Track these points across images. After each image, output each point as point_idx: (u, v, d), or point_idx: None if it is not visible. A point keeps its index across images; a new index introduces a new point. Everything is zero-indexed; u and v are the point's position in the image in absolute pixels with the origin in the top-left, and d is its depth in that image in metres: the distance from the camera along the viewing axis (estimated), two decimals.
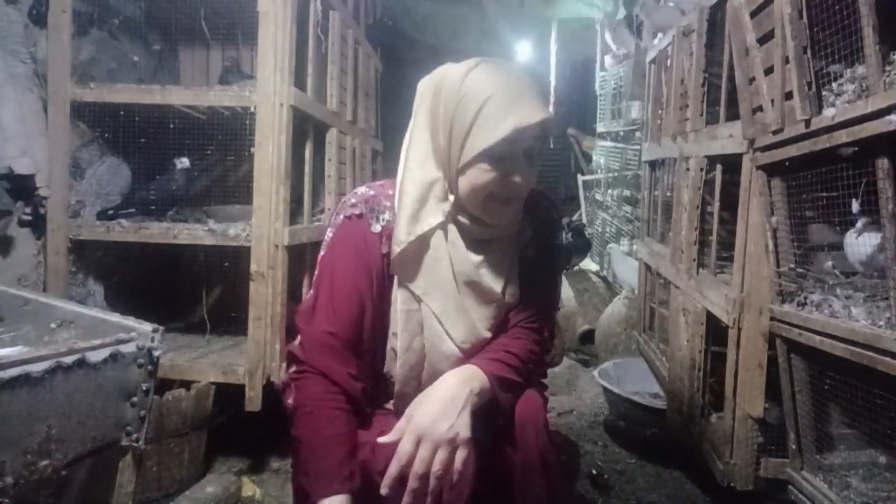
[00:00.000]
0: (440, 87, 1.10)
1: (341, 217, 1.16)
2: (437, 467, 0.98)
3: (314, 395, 1.09)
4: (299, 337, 1.13)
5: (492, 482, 1.11)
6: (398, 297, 1.14)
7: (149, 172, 2.30)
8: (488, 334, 1.16)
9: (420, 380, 1.17)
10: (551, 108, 6.06)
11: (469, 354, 1.14)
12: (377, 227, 1.14)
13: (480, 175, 1.06)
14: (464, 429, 1.01)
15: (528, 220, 1.22)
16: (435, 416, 1.01)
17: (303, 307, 1.16)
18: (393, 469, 1.00)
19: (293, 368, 1.13)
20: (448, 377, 1.08)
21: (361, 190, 1.20)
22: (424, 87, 1.14)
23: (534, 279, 1.23)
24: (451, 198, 1.12)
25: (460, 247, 1.13)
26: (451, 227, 1.13)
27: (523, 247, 1.22)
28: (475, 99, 1.04)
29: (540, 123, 1.04)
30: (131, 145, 2.27)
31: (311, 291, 1.17)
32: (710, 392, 1.93)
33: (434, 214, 1.11)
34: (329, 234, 1.17)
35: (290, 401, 1.12)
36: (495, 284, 1.16)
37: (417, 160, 1.13)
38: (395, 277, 1.14)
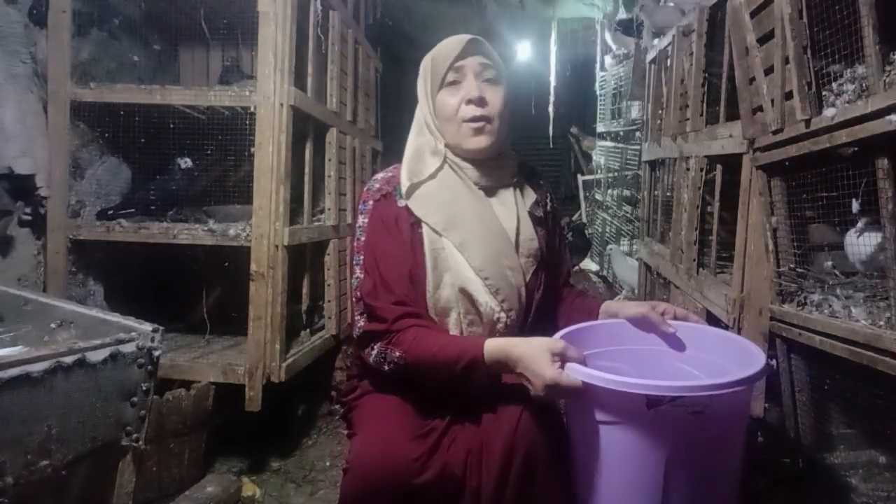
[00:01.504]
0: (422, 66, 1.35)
1: (370, 203, 1.32)
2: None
3: (413, 334, 1.19)
4: (369, 313, 1.25)
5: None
6: (425, 241, 1.26)
7: (149, 172, 2.30)
8: (510, 273, 1.26)
9: (461, 312, 1.26)
10: (550, 109, 6.07)
11: (491, 287, 1.25)
12: (402, 202, 1.29)
13: (444, 105, 1.28)
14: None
15: (528, 184, 1.40)
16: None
17: (364, 288, 1.27)
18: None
19: (379, 342, 1.22)
20: None
21: (380, 175, 1.37)
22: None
23: (553, 240, 1.41)
24: (441, 146, 1.31)
25: (473, 188, 1.30)
26: (460, 173, 1.31)
27: (531, 206, 1.37)
28: (426, 61, 1.32)
29: (471, 44, 1.27)
30: (131, 145, 2.27)
31: (363, 274, 1.29)
32: None
33: (431, 164, 1.30)
34: (363, 219, 1.33)
35: (397, 354, 1.19)
36: (507, 226, 1.30)
37: (415, 131, 1.36)
38: (423, 227, 1.27)
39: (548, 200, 1.44)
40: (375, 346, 1.23)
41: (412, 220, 1.27)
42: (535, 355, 1.07)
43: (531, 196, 1.39)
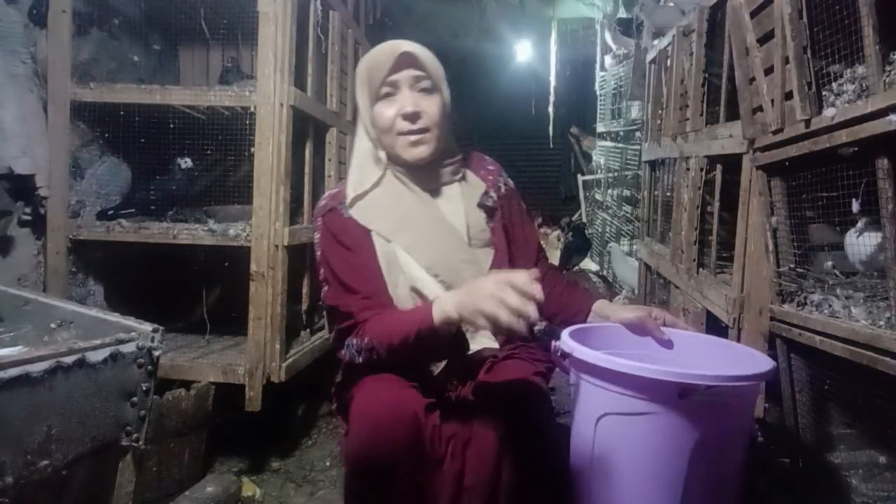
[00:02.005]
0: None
1: (319, 219, 1.34)
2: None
3: (375, 318, 1.21)
4: (338, 315, 1.27)
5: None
6: (377, 246, 1.29)
7: (149, 172, 2.30)
8: (463, 267, 1.29)
9: None
10: (550, 109, 6.08)
11: (444, 284, 1.26)
12: (348, 213, 1.31)
13: (381, 117, 1.28)
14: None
15: (477, 174, 1.42)
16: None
17: (330, 296, 1.30)
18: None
19: (349, 336, 1.24)
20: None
21: (328, 192, 1.39)
22: None
23: (512, 225, 1.42)
24: (383, 155, 1.33)
25: (417, 191, 1.32)
26: (404, 178, 1.32)
27: (480, 198, 1.38)
28: (361, 69, 1.32)
29: (402, 57, 1.25)
30: (131, 145, 2.27)
31: (327, 286, 1.31)
32: None
33: (374, 171, 1.33)
34: (316, 236, 1.34)
35: (365, 340, 1.20)
36: (455, 223, 1.32)
37: (359, 134, 1.37)
38: (372, 235, 1.29)
39: (501, 185, 1.45)
40: (348, 341, 1.24)
41: (360, 230, 1.30)
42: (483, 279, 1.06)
43: (479, 187, 1.40)
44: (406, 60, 1.26)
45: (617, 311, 1.36)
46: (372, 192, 1.31)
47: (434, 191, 1.35)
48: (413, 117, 1.26)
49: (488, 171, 1.46)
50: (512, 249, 1.40)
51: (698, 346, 1.31)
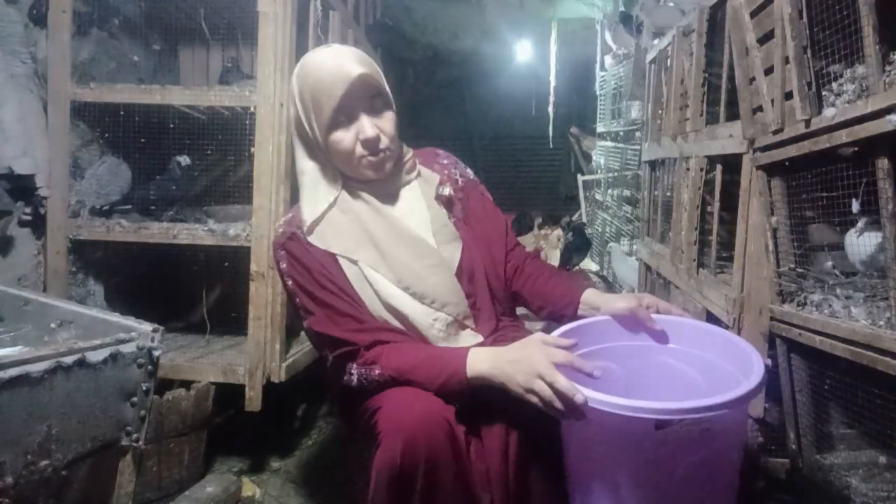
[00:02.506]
0: (292, 97, 1.27)
1: (281, 250, 1.27)
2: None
3: (382, 350, 1.18)
4: (331, 342, 1.22)
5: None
6: (344, 268, 1.24)
7: (149, 172, 2.30)
8: (431, 271, 1.25)
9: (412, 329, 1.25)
10: (550, 109, 6.07)
11: (416, 295, 1.24)
12: (307, 239, 1.25)
13: (339, 144, 1.22)
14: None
15: (431, 168, 1.39)
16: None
17: (317, 322, 1.24)
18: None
19: (352, 362, 1.20)
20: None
21: (283, 219, 1.33)
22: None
23: (476, 210, 1.40)
24: (337, 174, 1.28)
25: (372, 203, 1.28)
26: (360, 193, 1.28)
27: (437, 189, 1.35)
28: (304, 88, 1.22)
29: (357, 81, 1.18)
30: (131, 145, 2.27)
31: (308, 314, 1.25)
32: None
33: (328, 190, 1.27)
34: (283, 265, 1.28)
35: (376, 372, 1.17)
36: (416, 224, 1.29)
37: (304, 153, 1.29)
38: (337, 258, 1.25)
39: (457, 177, 1.42)
40: (353, 369, 1.20)
41: (324, 254, 1.25)
42: (528, 341, 1.07)
43: (433, 179, 1.37)
44: (360, 83, 1.19)
45: (608, 301, 1.30)
46: (328, 212, 1.26)
47: (393, 195, 1.32)
48: (374, 143, 1.22)
49: (442, 165, 1.43)
50: (480, 243, 1.36)
51: (695, 337, 1.25)
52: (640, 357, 1.27)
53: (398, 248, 1.26)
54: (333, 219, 1.26)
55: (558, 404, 0.99)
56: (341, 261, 1.25)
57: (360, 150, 1.22)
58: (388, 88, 1.27)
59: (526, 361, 1.04)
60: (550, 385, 1.00)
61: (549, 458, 1.14)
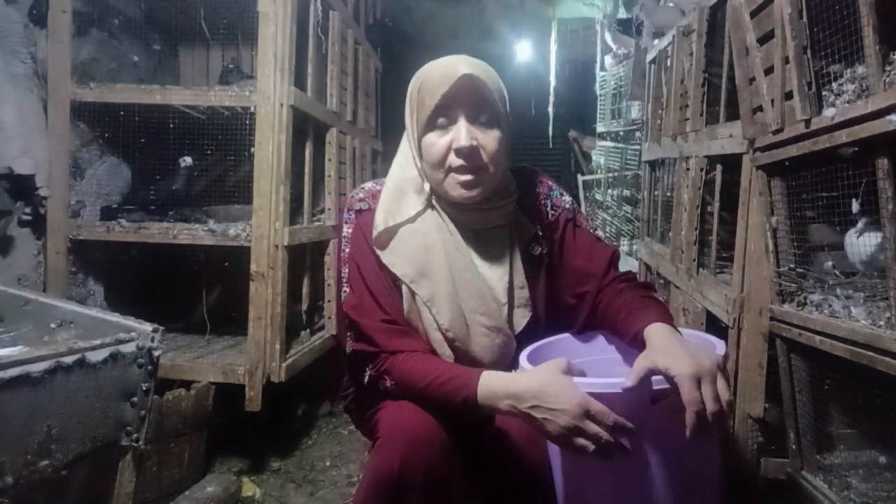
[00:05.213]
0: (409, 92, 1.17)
1: (353, 213, 1.21)
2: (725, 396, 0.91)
3: (402, 362, 1.10)
4: (355, 330, 1.15)
5: None
6: (402, 287, 1.17)
7: (149, 172, 2.30)
8: (484, 331, 1.15)
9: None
10: (550, 109, 6.07)
11: (459, 349, 1.15)
12: (375, 234, 1.17)
13: (431, 149, 1.11)
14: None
15: (526, 214, 1.23)
16: (695, 354, 0.93)
17: (350, 302, 1.17)
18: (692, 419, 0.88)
19: (369, 366, 1.13)
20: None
21: (368, 185, 1.24)
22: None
23: (561, 259, 1.23)
24: (427, 187, 1.17)
25: (455, 235, 1.16)
26: (445, 217, 1.17)
27: (527, 243, 1.21)
28: (413, 88, 1.14)
29: (462, 80, 1.07)
30: (131, 145, 2.27)
31: (348, 287, 1.19)
32: None
33: (413, 205, 1.17)
34: (347, 229, 1.21)
35: (388, 384, 1.11)
36: (493, 276, 1.17)
37: (400, 161, 1.21)
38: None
39: (547, 202, 1.26)
40: (368, 372, 1.14)
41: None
42: (552, 379, 0.94)
43: (528, 231, 1.22)
44: (465, 85, 1.08)
45: (655, 353, 0.97)
46: (404, 226, 1.16)
47: (480, 235, 1.18)
48: (468, 153, 1.08)
49: (536, 212, 1.24)
50: (556, 285, 1.22)
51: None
52: (606, 370, 1.21)
53: (456, 291, 1.14)
54: (405, 235, 1.16)
55: (597, 433, 0.90)
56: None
57: (452, 159, 1.10)
58: (502, 106, 1.14)
59: (555, 402, 0.93)
60: (585, 424, 0.91)
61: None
